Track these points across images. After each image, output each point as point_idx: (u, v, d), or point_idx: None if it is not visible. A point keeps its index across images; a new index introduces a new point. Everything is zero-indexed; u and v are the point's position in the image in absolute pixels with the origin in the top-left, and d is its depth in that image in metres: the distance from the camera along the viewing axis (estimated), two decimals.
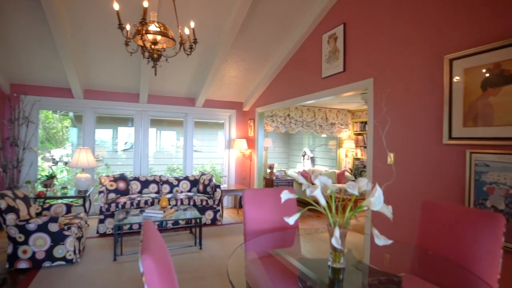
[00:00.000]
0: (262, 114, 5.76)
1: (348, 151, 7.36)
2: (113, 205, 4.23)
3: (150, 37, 2.47)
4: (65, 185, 4.63)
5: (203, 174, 5.34)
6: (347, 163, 7.39)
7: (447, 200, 2.20)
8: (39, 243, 3.03)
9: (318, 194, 1.27)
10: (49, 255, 3.06)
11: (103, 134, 8.35)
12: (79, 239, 3.31)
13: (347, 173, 6.76)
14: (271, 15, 3.76)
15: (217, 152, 8.71)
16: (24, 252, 3.00)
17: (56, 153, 7.51)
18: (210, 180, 5.12)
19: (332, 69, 3.51)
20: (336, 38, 3.44)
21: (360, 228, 4.62)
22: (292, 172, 6.75)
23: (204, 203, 4.76)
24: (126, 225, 3.92)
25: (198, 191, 5.19)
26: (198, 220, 3.84)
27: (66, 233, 3.12)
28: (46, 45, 3.81)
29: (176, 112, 5.83)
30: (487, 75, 1.96)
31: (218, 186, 4.97)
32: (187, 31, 2.66)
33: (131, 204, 4.34)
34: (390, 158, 2.68)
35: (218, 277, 2.93)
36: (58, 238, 3.08)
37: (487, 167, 1.94)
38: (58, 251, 3.09)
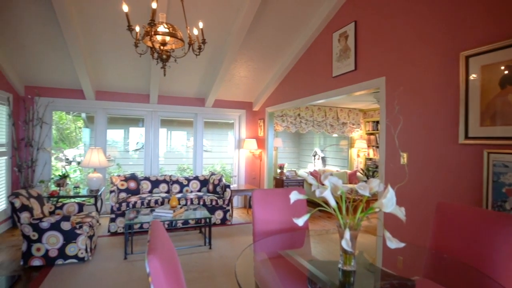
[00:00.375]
0: (272, 114, 5.73)
1: (360, 151, 7.25)
2: (124, 204, 4.29)
3: (159, 38, 2.48)
4: (77, 184, 4.72)
5: (213, 174, 5.35)
6: (359, 163, 7.28)
7: (463, 202, 2.12)
8: (52, 241, 3.09)
9: (327, 195, 1.24)
10: (62, 253, 3.12)
11: (115, 135, 8.50)
12: (90, 237, 3.36)
13: (359, 174, 6.66)
14: (281, 14, 3.73)
15: (227, 152, 8.72)
16: (38, 249, 3.06)
17: (70, 153, 7.68)
18: (220, 180, 5.12)
19: (343, 68, 3.45)
20: (347, 37, 3.38)
21: (372, 229, 4.53)
22: (303, 172, 6.70)
23: (214, 203, 4.76)
24: (136, 224, 3.96)
25: (208, 191, 5.20)
26: (207, 220, 3.84)
27: (78, 231, 3.17)
28: (59, 47, 3.88)
29: (186, 113, 5.86)
30: (506, 72, 1.87)
31: (228, 186, 4.96)
32: (195, 31, 2.66)
33: (142, 203, 4.38)
34: (403, 158, 2.60)
35: (227, 277, 2.92)
36: (70, 237, 3.14)
37: (506, 167, 1.85)
38: (70, 249, 3.14)
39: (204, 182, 5.36)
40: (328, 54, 3.76)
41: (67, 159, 7.26)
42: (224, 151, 9.09)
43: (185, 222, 4.45)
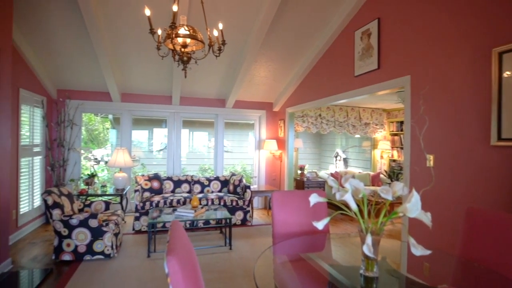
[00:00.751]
0: (293, 115, 5.69)
1: (384, 152, 7.03)
2: (147, 203, 4.42)
3: (180, 40, 2.53)
4: (104, 183, 4.92)
5: (233, 174, 5.39)
6: (382, 165, 7.06)
7: (494, 207, 1.99)
8: (81, 237, 3.24)
9: (348, 198, 1.21)
10: (90, 249, 3.26)
11: (139, 135, 8.79)
12: (116, 235, 3.49)
13: (382, 176, 6.46)
14: (301, 13, 3.69)
15: (248, 152, 8.76)
16: (68, 245, 3.22)
17: (98, 153, 8.04)
18: (240, 180, 5.15)
19: (366, 66, 3.36)
20: (369, 34, 3.29)
21: (396, 233, 4.37)
22: (324, 174, 6.59)
23: (234, 204, 4.80)
24: (159, 223, 4.07)
25: (229, 192, 5.24)
26: (228, 221, 3.88)
27: (105, 229, 3.30)
28: (87, 53, 4.08)
29: (207, 114, 5.95)
30: None
31: (248, 187, 4.98)
32: (215, 33, 2.69)
33: (164, 203, 4.50)
34: (429, 160, 2.49)
35: (247, 278, 2.93)
36: (97, 234, 3.28)
37: None
38: (97, 246, 3.28)
39: (224, 183, 5.41)
40: (350, 52, 3.67)
41: (96, 158, 7.60)
42: (245, 152, 9.14)
43: (206, 222, 4.51)
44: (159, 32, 2.49)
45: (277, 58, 4.62)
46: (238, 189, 5.11)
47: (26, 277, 2.90)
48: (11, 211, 3.74)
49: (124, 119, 5.47)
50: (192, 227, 4.51)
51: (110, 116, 8.36)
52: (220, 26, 2.61)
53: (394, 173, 5.97)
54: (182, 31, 2.46)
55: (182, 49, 2.54)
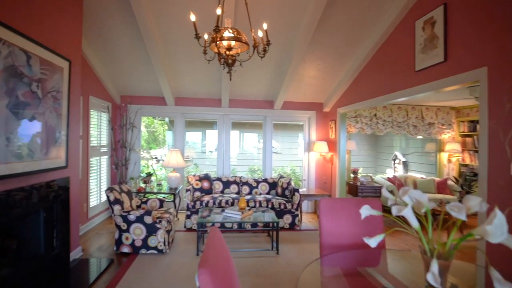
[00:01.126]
0: (345, 115, 5.37)
1: (452, 156, 6.24)
2: (198, 203, 4.56)
3: (224, 43, 2.53)
4: (160, 182, 5.23)
5: (281, 177, 5.29)
6: (450, 169, 6.28)
7: None
8: (137, 232, 3.46)
9: (408, 214, 1.03)
10: (145, 244, 3.47)
11: (194, 137, 9.22)
12: (168, 232, 3.65)
13: (450, 182, 5.72)
14: (352, 6, 3.44)
15: (297, 154, 8.57)
16: (126, 238, 3.47)
17: (158, 153, 8.64)
18: (289, 183, 5.02)
19: (429, 60, 2.98)
20: (433, 23, 2.91)
21: (470, 250, 3.73)
22: (380, 178, 6.10)
23: (282, 207, 4.70)
24: (208, 223, 4.16)
25: (277, 194, 5.16)
26: (275, 224, 3.79)
27: (158, 226, 3.48)
28: (144, 61, 4.38)
29: (255, 115, 5.95)
30: None
31: (297, 190, 4.83)
32: (260, 33, 2.63)
33: (214, 203, 4.60)
34: None
35: (293, 286, 2.80)
36: (151, 230, 3.47)
37: None
38: (152, 241, 3.47)
39: (272, 185, 5.34)
40: (409, 45, 3.30)
41: (156, 158, 8.19)
42: (294, 153, 8.96)
43: (254, 224, 4.49)
44: (206, 36, 2.53)
45: (326, 56, 4.39)
46: (287, 192, 4.99)
47: (93, 265, 3.20)
48: (82, 204, 4.18)
49: (178, 122, 5.75)
50: (240, 228, 4.52)
51: (166, 119, 8.92)
52: (265, 26, 2.54)
53: (466, 180, 5.22)
54: (227, 33, 2.45)
55: (227, 52, 2.53)
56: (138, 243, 3.48)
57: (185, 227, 4.55)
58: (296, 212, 4.74)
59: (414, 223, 1.06)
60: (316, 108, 5.98)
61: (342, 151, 5.37)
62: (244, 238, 4.19)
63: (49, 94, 2.71)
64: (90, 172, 4.47)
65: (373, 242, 1.11)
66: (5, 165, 2.17)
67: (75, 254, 3.34)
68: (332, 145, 5.63)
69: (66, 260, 3.06)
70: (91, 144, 4.47)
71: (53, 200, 2.84)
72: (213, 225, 4.42)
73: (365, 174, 6.40)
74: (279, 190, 5.10)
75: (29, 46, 2.40)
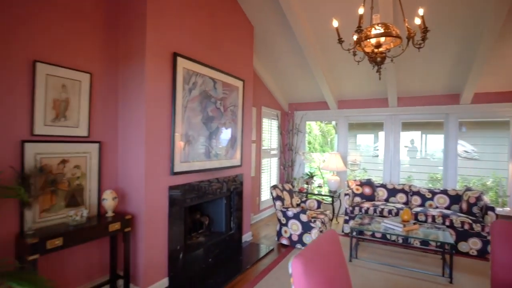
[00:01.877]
0: None
1: None
2: (356, 208, 4.40)
3: (372, 41, 2.37)
4: (320, 184, 5.43)
5: (468, 189, 4.18)
6: None
7: None
8: (294, 228, 3.80)
9: None
10: (300, 239, 3.76)
11: (365, 139, 8.84)
12: (322, 232, 3.78)
13: None
14: None
15: (499, 161, 6.40)
16: (285, 232, 3.89)
17: (319, 157, 8.96)
18: (478, 198, 3.89)
19: None
20: None
21: None
22: None
23: (466, 227, 3.72)
24: (368, 231, 3.93)
25: (461, 210, 4.12)
26: (450, 246, 3.08)
27: (312, 225, 3.68)
28: (305, 69, 4.75)
29: (432, 114, 5.00)
30: None
31: (492, 208, 3.67)
32: (418, 21, 2.27)
33: (374, 210, 4.29)
34: None
35: None
36: (306, 227, 3.71)
37: None
38: (306, 238, 3.71)
39: (454, 198, 4.31)
40: None
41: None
42: (501, 160, 6.71)
43: (424, 242, 3.81)
44: (355, 37, 2.46)
45: None
46: (475, 209, 3.88)
47: (258, 249, 3.83)
48: (255, 197, 5.05)
49: (341, 125, 5.76)
50: (405, 243, 3.97)
51: (333, 122, 9.07)
52: (421, 11, 2.18)
53: None
54: (374, 31, 2.29)
55: (375, 50, 2.37)
56: (295, 237, 3.81)
57: (342, 231, 4.50)
58: (489, 237, 3.60)
59: None
60: None
61: None
62: (409, 255, 3.65)
63: (228, 109, 3.52)
64: (262, 171, 5.32)
65: None
66: (209, 162, 3.16)
67: (246, 237, 4.10)
68: None
69: (239, 240, 3.84)
70: (263, 148, 5.32)
71: (232, 191, 3.66)
72: (373, 234, 4.13)
73: None
74: (464, 205, 4.05)
75: (215, 74, 3.25)
